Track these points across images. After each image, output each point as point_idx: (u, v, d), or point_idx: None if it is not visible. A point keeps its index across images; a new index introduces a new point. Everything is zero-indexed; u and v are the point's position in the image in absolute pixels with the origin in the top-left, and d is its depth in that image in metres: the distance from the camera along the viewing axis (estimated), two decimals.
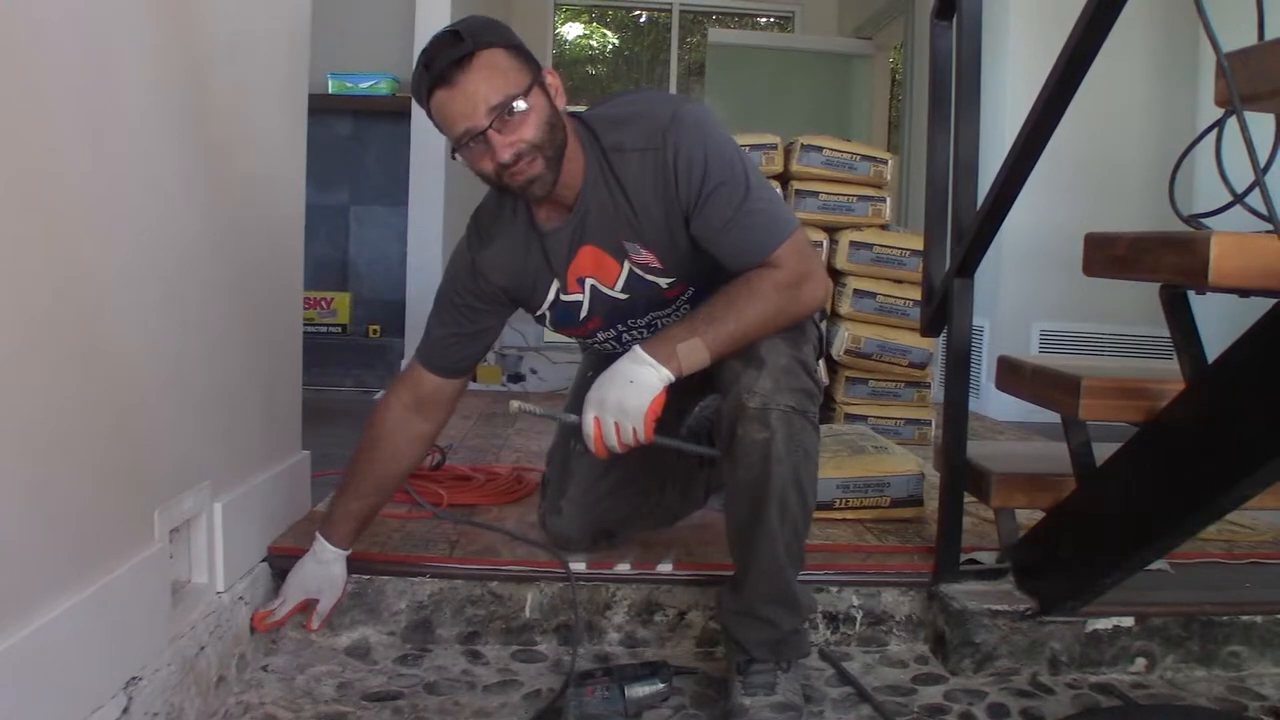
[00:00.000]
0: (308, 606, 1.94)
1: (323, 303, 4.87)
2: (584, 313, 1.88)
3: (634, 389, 1.60)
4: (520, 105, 1.58)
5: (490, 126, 1.58)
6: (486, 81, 1.57)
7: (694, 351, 1.61)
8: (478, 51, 1.57)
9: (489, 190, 1.85)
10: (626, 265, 1.80)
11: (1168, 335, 1.64)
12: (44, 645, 1.22)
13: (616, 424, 1.61)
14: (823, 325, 1.94)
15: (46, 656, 1.23)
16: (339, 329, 4.89)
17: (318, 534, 1.95)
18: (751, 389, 1.63)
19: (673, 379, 1.62)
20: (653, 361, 1.61)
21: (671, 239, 1.75)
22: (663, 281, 1.81)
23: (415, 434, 1.95)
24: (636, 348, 1.63)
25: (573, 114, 1.75)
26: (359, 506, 1.94)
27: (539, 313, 1.91)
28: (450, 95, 1.58)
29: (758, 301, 1.64)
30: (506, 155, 1.60)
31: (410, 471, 2.04)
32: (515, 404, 1.75)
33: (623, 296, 1.83)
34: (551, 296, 1.87)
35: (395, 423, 1.93)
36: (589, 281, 1.83)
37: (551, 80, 1.67)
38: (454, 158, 1.68)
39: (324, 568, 1.94)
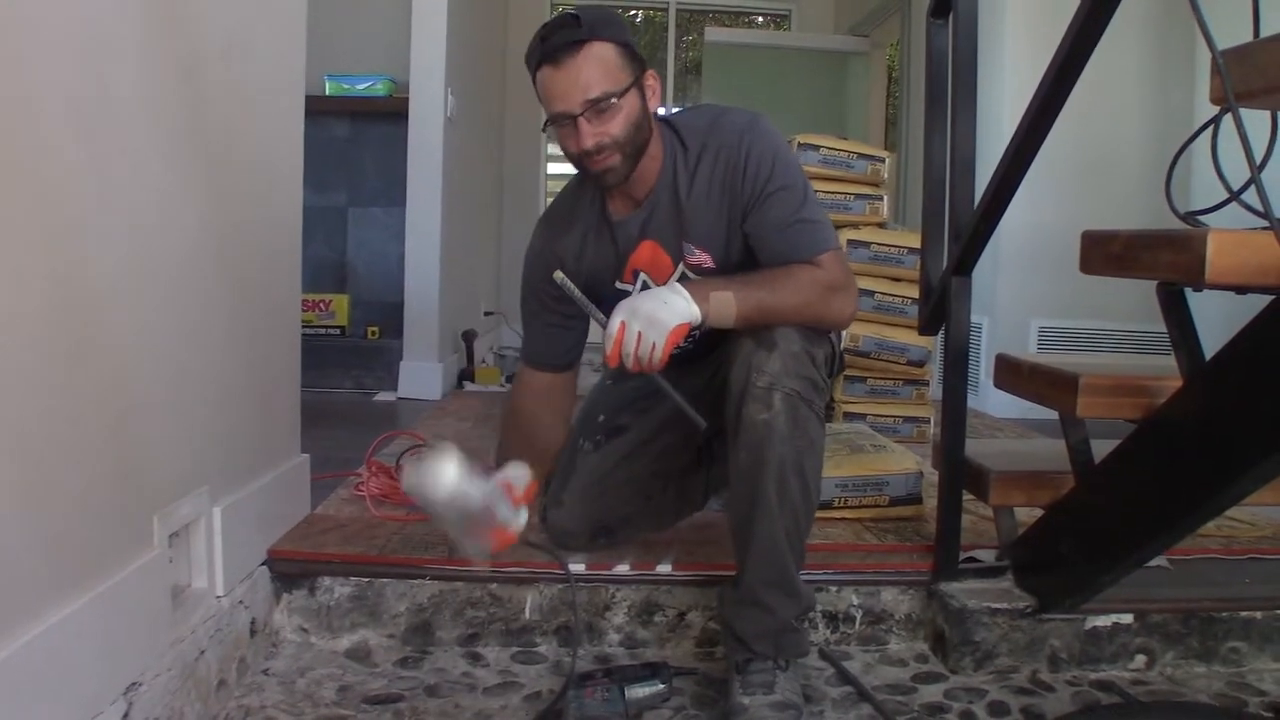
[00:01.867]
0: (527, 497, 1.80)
1: (321, 305, 4.86)
2: None
3: (666, 308, 1.67)
4: (614, 102, 1.70)
5: (582, 114, 1.69)
6: (590, 73, 1.68)
7: (724, 304, 1.69)
8: (590, 41, 1.68)
9: (563, 189, 2.02)
10: (680, 267, 1.87)
11: (1165, 332, 1.64)
12: (43, 651, 1.22)
13: (640, 333, 1.65)
14: (839, 344, 1.96)
15: (46, 662, 1.23)
16: (337, 331, 4.88)
17: None
18: (761, 368, 1.68)
19: (699, 319, 1.68)
20: (687, 296, 1.68)
21: (727, 240, 1.83)
22: None
23: (547, 421, 2.02)
24: (674, 283, 1.72)
25: (661, 118, 1.84)
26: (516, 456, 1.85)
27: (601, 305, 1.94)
28: (555, 75, 1.69)
29: (793, 285, 1.72)
30: (589, 144, 1.72)
31: (556, 446, 2.04)
32: (559, 275, 1.79)
33: None
34: (611, 285, 1.94)
35: (525, 413, 2.01)
36: (641, 275, 1.91)
37: (651, 83, 1.78)
38: (544, 130, 1.79)
39: (492, 492, 1.71)
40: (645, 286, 1.90)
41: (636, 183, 1.83)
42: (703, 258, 1.85)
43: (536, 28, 1.73)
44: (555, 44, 1.68)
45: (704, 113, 1.88)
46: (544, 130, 1.79)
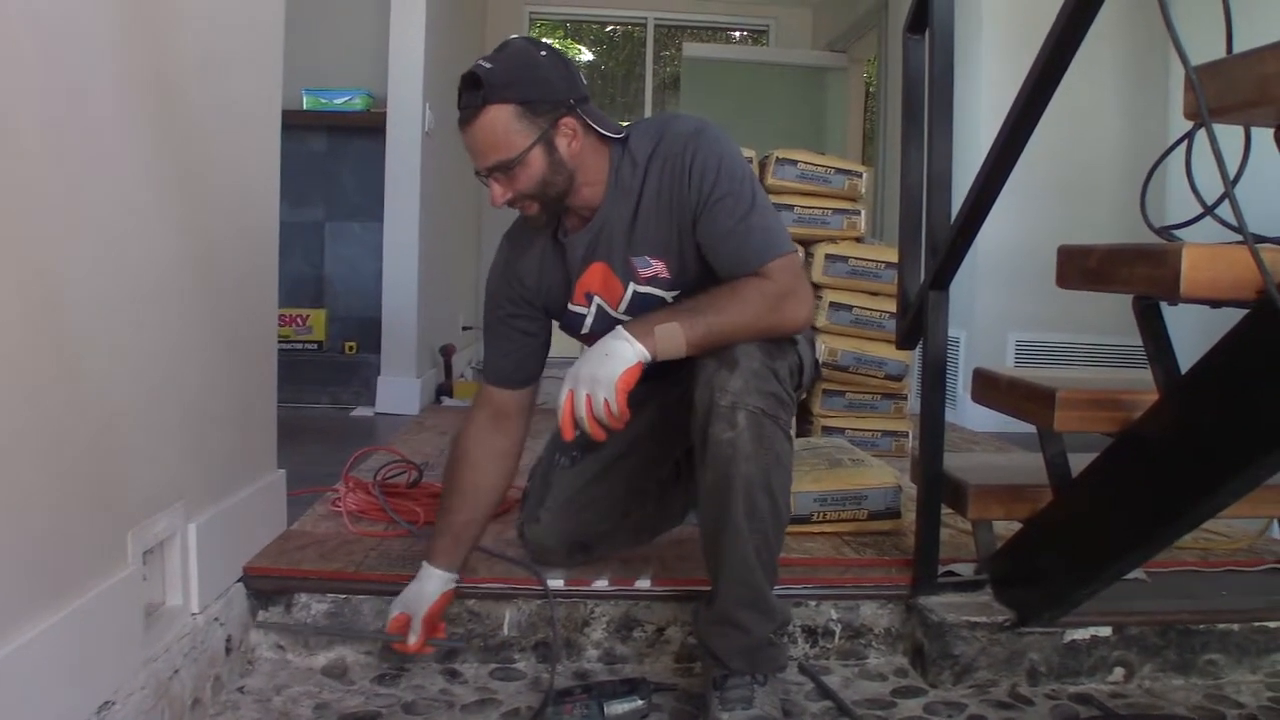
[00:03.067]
0: (406, 624, 1.89)
1: (298, 320, 4.84)
2: (585, 328, 1.94)
3: (608, 360, 1.65)
4: (514, 167, 1.72)
5: (490, 175, 1.74)
6: (486, 140, 1.71)
7: (671, 335, 1.66)
8: (487, 107, 1.68)
9: None
10: (631, 287, 1.86)
11: (1141, 345, 1.65)
12: (14, 670, 1.21)
13: (589, 395, 1.63)
14: (812, 365, 1.96)
15: (17, 681, 1.22)
16: (315, 346, 4.86)
17: None
18: (724, 387, 1.66)
19: (649, 357, 1.66)
20: (629, 337, 1.66)
21: (680, 247, 1.82)
22: (668, 295, 1.85)
23: (494, 449, 1.99)
24: (618, 326, 1.70)
25: (613, 135, 1.82)
26: (450, 521, 1.95)
27: (562, 324, 2.00)
28: (465, 135, 1.74)
29: (739, 302, 1.69)
30: (500, 201, 1.76)
31: (500, 488, 2.01)
32: None
33: (626, 318, 1.86)
34: (565, 304, 1.94)
35: (473, 440, 1.99)
36: (596, 300, 1.90)
37: (565, 128, 1.75)
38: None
39: (418, 584, 1.93)
40: (600, 310, 1.90)
41: (581, 206, 1.83)
42: (658, 267, 1.84)
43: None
44: (460, 106, 1.71)
45: (654, 122, 1.87)
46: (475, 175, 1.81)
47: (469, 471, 1.97)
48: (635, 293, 1.86)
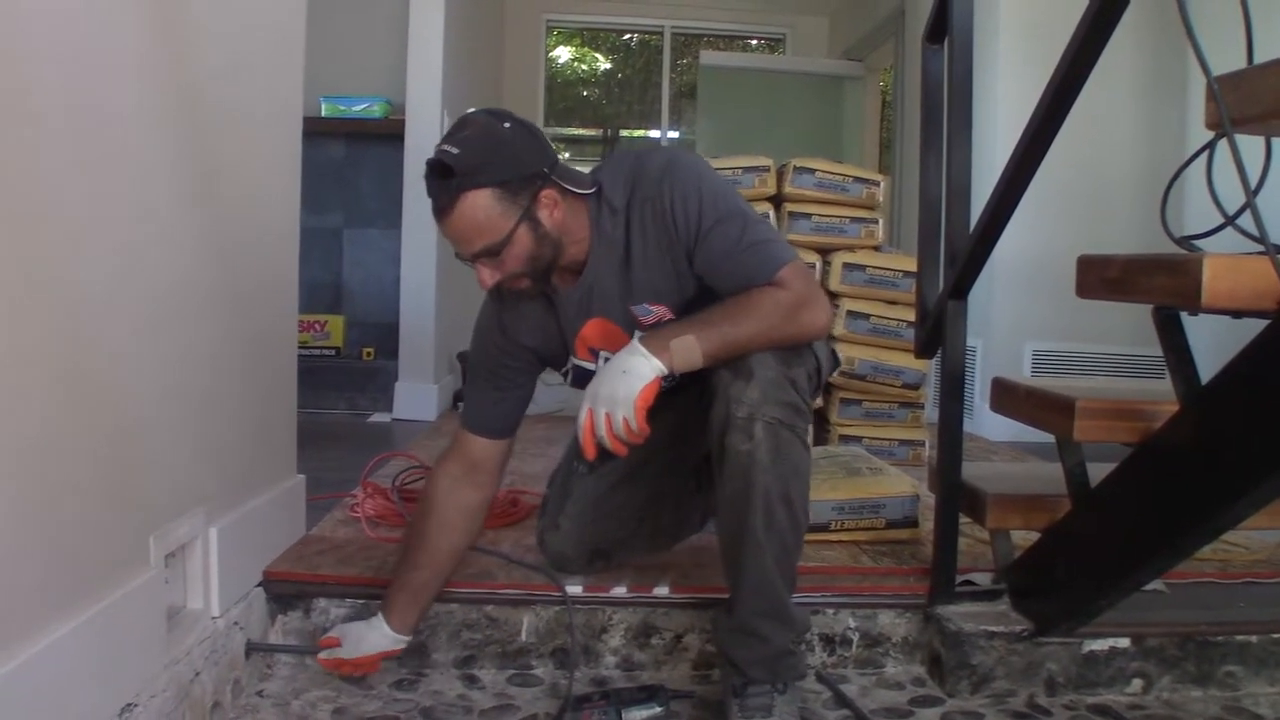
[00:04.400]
0: (335, 645, 1.91)
1: (316, 325, 4.86)
2: None
3: (625, 378, 1.63)
4: (499, 252, 1.69)
5: (475, 261, 1.72)
6: (467, 230, 1.68)
7: (687, 348, 1.64)
8: (463, 194, 1.64)
9: None
10: (636, 335, 1.82)
11: (1159, 355, 1.64)
12: (39, 672, 1.22)
13: (608, 414, 1.63)
14: (829, 357, 1.93)
15: (41, 684, 1.23)
16: (332, 352, 4.88)
17: None
18: (740, 398, 1.65)
19: (665, 371, 1.64)
20: (645, 352, 1.64)
21: (680, 286, 1.80)
22: None
23: (464, 504, 1.94)
24: (634, 342, 1.68)
25: (580, 195, 1.79)
26: (410, 577, 1.91)
27: (563, 370, 1.98)
28: (442, 225, 1.70)
29: (754, 312, 1.67)
30: (490, 284, 1.75)
31: (462, 547, 1.98)
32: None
33: None
34: (569, 359, 1.93)
35: (443, 492, 1.94)
36: (602, 354, 1.88)
37: (546, 199, 1.72)
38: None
39: (366, 628, 1.91)
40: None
41: (569, 262, 1.81)
42: (659, 311, 1.82)
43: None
44: (432, 196, 1.67)
45: (623, 163, 1.84)
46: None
47: (435, 529, 1.92)
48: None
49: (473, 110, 1.75)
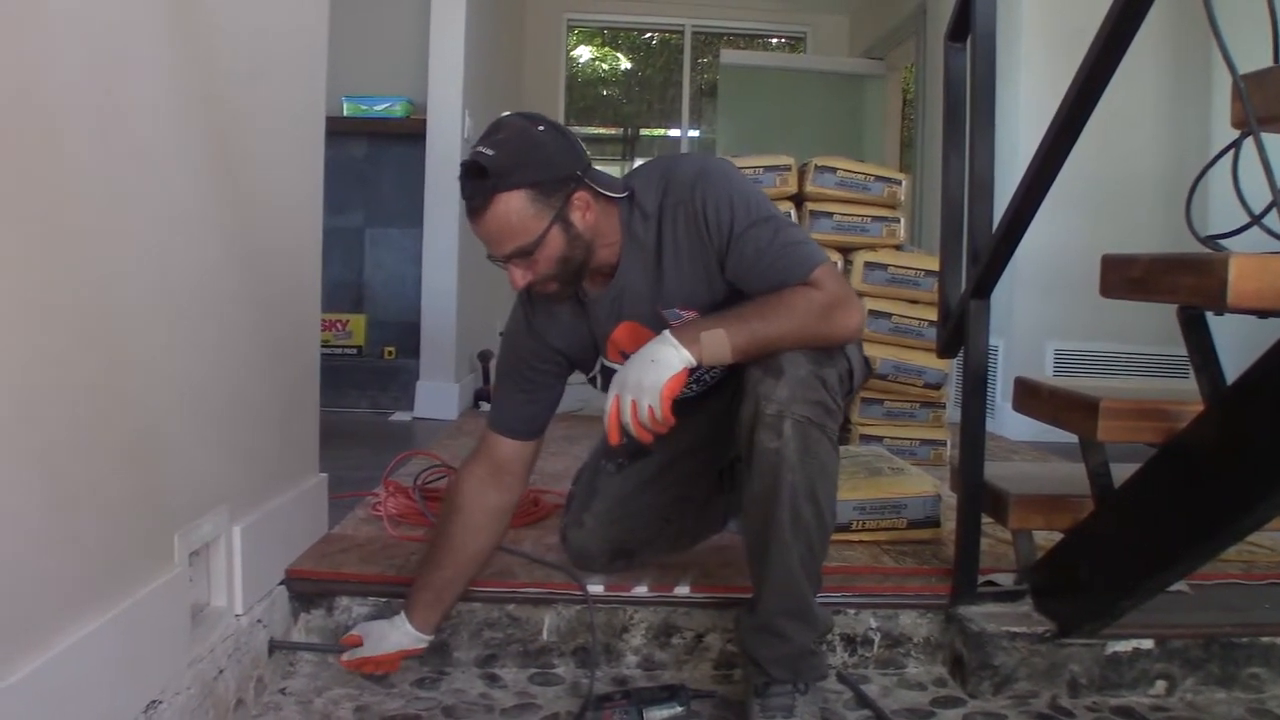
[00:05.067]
0: (357, 644, 1.92)
1: (338, 325, 4.88)
2: None
3: (654, 367, 1.64)
4: (532, 252, 1.70)
5: (509, 261, 1.72)
6: (501, 230, 1.68)
7: (716, 341, 1.65)
8: (496, 195, 1.65)
9: None
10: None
11: (1183, 354, 1.63)
12: (66, 669, 1.23)
13: (634, 401, 1.63)
14: (862, 364, 1.92)
15: (68, 679, 1.24)
16: (354, 351, 4.90)
17: None
18: (770, 396, 1.65)
19: (694, 363, 1.65)
20: (675, 343, 1.65)
21: (710, 291, 1.80)
22: None
23: (490, 506, 1.94)
24: (665, 332, 1.68)
25: (612, 199, 1.80)
26: (434, 577, 1.92)
27: (590, 375, 1.98)
28: (476, 225, 1.71)
29: (786, 310, 1.68)
30: (521, 284, 1.75)
31: (488, 549, 1.97)
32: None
33: None
34: (598, 363, 1.93)
35: (470, 494, 1.94)
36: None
37: (579, 201, 1.72)
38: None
39: (389, 626, 1.92)
40: None
41: (601, 265, 1.81)
42: (690, 316, 1.81)
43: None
44: (468, 199, 1.68)
45: (655, 169, 1.85)
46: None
47: (461, 531, 1.92)
48: None
49: (507, 113, 1.76)
